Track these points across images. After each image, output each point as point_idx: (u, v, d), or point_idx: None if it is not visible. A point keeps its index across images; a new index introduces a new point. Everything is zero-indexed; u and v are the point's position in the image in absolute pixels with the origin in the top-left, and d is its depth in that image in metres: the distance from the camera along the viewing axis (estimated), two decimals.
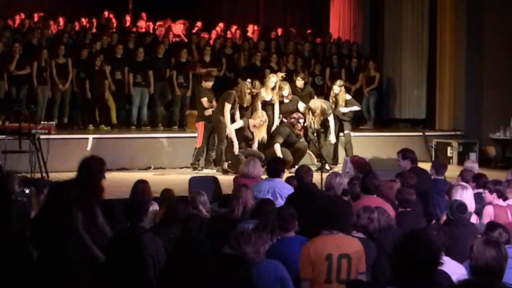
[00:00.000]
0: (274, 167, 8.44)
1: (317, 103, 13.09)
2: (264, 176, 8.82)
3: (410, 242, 3.70)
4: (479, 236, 4.80)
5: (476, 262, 3.72)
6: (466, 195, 7.19)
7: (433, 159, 14.61)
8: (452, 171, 10.41)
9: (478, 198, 7.92)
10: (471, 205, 7.00)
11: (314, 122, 12.99)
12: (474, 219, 7.30)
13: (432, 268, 3.65)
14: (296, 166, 11.69)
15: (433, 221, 8.28)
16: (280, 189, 7.91)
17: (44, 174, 10.53)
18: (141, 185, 8.04)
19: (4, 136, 11.05)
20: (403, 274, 3.62)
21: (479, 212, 7.68)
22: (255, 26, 18.64)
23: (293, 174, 9.12)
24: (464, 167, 9.93)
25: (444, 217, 7.04)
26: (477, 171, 9.28)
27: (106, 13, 17.20)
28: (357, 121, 15.73)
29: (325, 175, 8.86)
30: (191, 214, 6.89)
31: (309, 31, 18.93)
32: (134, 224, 6.02)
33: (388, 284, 3.67)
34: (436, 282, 3.71)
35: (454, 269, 4.93)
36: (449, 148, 15.24)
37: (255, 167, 8.87)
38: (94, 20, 16.91)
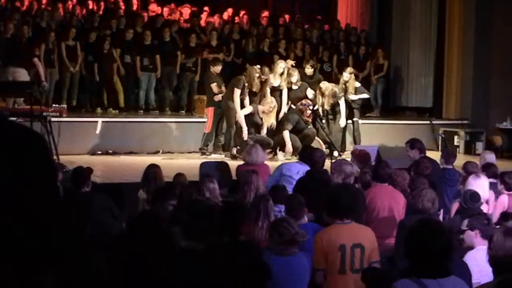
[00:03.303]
0: (306, 154, 8.60)
1: (327, 84, 13.18)
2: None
3: (425, 230, 3.71)
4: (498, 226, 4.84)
5: (496, 252, 3.74)
6: (479, 184, 7.21)
7: (439, 148, 14.67)
8: (459, 160, 10.42)
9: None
10: (483, 195, 7.03)
11: (324, 103, 13.04)
12: (485, 208, 7.33)
13: (447, 257, 3.67)
14: None
15: (441, 210, 8.33)
16: None
17: (55, 157, 10.56)
18: (153, 169, 8.07)
19: (15, 119, 11.05)
20: (418, 263, 3.64)
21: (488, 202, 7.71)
22: (264, 12, 18.60)
23: None
24: (481, 156, 9.98)
25: (456, 206, 7.08)
26: (493, 162, 9.29)
27: None
28: (364, 109, 15.76)
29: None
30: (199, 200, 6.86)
31: (318, 17, 18.89)
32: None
33: (404, 275, 3.68)
34: (454, 271, 3.73)
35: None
36: (456, 137, 15.27)
37: (258, 154, 8.96)
38: (102, 3, 16.87)
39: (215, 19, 17.27)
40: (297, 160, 8.81)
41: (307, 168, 8.23)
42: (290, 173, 8.11)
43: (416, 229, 3.74)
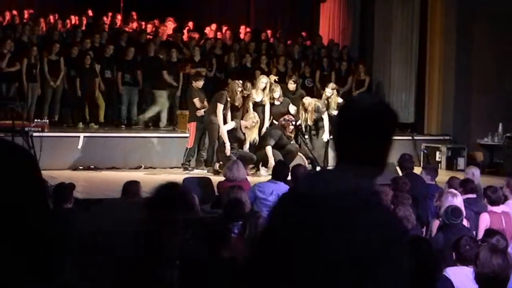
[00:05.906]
0: (280, 170, 8.51)
1: (310, 100, 13.19)
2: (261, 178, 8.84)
3: (411, 247, 3.71)
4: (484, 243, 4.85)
5: (482, 269, 3.75)
6: (456, 202, 7.24)
7: (422, 163, 14.70)
8: (441, 176, 10.48)
9: (468, 203, 7.99)
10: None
11: (307, 119, 13.04)
12: (466, 223, 7.35)
13: (434, 273, 3.67)
14: None
15: (424, 227, 8.36)
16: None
17: None
18: (134, 185, 8.00)
19: None
20: None
21: (468, 218, 7.74)
22: (246, 28, 18.66)
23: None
24: (466, 172, 10.02)
25: (436, 223, 7.10)
26: (478, 178, 9.34)
27: (90, 11, 17.20)
28: None
29: None
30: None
31: (303, 33, 18.92)
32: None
33: None
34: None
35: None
36: (437, 152, 15.32)
37: (239, 170, 8.90)
38: (84, 18, 16.86)
39: (198, 35, 17.30)
40: (271, 179, 8.56)
41: (282, 186, 8.15)
42: (264, 195, 7.99)
43: None
